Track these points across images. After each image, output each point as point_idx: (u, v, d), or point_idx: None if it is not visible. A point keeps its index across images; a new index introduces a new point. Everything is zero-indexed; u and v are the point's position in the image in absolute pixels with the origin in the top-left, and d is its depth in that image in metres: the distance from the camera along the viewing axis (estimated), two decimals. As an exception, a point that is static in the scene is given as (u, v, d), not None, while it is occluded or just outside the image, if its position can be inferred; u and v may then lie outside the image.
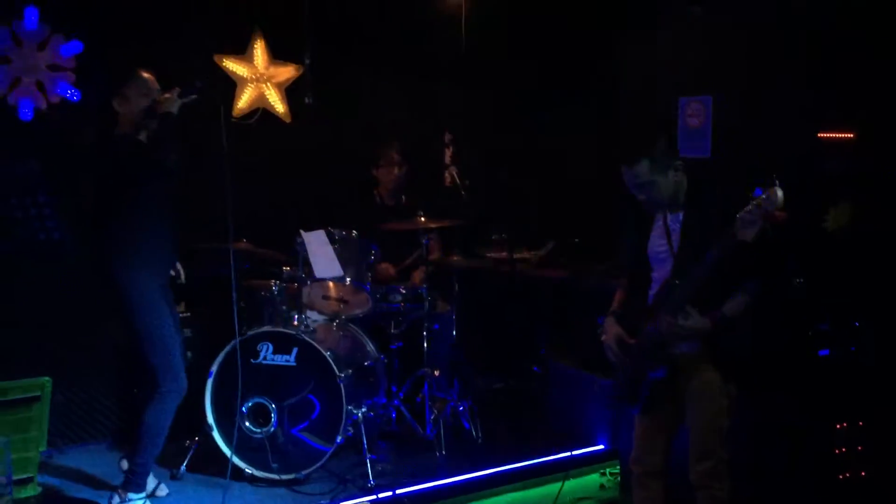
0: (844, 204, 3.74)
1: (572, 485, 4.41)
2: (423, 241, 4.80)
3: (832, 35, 3.70)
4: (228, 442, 4.30)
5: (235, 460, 4.32)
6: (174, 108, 3.83)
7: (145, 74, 3.90)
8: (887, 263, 3.80)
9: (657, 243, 3.31)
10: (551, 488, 4.40)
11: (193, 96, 3.87)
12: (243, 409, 4.35)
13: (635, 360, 3.31)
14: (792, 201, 3.67)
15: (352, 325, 4.89)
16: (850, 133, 3.77)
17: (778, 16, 3.72)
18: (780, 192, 2.67)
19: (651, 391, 3.27)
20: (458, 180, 5.32)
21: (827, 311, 3.75)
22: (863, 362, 3.78)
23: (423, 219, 4.80)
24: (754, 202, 2.73)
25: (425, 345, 4.80)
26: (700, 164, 4.03)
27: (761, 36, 3.82)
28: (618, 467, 4.52)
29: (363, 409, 4.47)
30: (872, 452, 3.78)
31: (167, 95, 3.84)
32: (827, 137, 3.73)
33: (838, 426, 3.74)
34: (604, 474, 4.61)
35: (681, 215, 3.23)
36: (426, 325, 4.81)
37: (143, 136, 3.80)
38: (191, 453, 4.38)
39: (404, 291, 4.92)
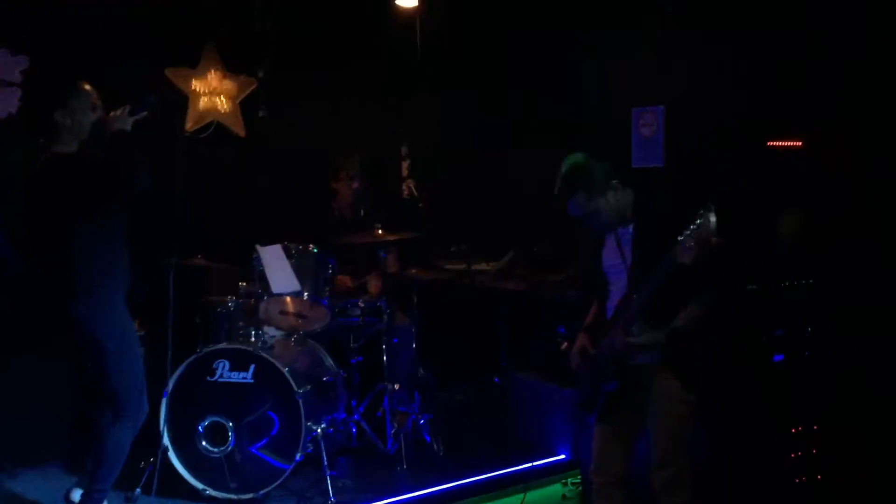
0: (795, 210, 3.80)
1: (534, 496, 4.42)
2: (381, 254, 4.77)
3: (780, 42, 3.76)
4: (185, 462, 4.21)
5: (192, 481, 4.26)
6: (126, 126, 3.76)
7: (87, 87, 3.81)
8: (839, 268, 3.87)
9: (610, 257, 3.35)
10: (513, 500, 4.40)
11: (145, 113, 3.80)
12: (200, 428, 4.27)
13: (593, 371, 3.35)
14: (743, 209, 3.76)
15: (310, 340, 4.84)
16: (799, 141, 3.83)
17: (728, 23, 3.77)
18: (713, 219, 2.73)
19: (606, 401, 3.30)
20: (415, 193, 5.30)
21: (781, 317, 3.80)
22: (817, 366, 3.83)
23: (380, 231, 4.78)
24: (690, 229, 2.79)
25: (385, 358, 4.77)
26: (653, 174, 4.07)
27: (710, 44, 3.87)
28: (579, 477, 4.52)
29: (323, 425, 4.41)
30: (828, 455, 3.83)
31: (118, 112, 3.77)
32: (776, 146, 3.79)
33: (794, 430, 3.79)
34: (565, 484, 4.61)
35: (630, 229, 3.26)
36: (385, 338, 4.78)
37: (95, 151, 3.70)
38: (146, 475, 4.28)
39: (363, 305, 4.89)
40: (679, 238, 2.83)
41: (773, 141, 3.78)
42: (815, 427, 3.82)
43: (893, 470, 3.67)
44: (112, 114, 3.77)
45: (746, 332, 3.73)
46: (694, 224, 2.78)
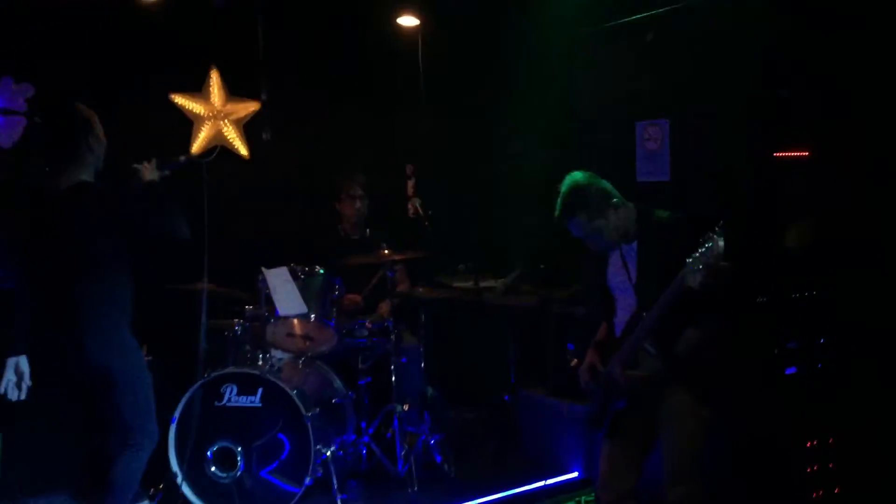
0: (804, 222, 3.77)
1: (547, 515, 4.37)
2: (389, 273, 4.75)
3: (785, 53, 3.75)
4: (194, 488, 4.19)
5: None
6: (155, 177, 3.76)
7: (95, 116, 3.80)
8: (850, 279, 3.83)
9: (616, 275, 3.33)
10: (526, 519, 4.37)
11: (170, 170, 3.81)
12: (209, 453, 4.24)
13: (602, 388, 3.32)
14: (752, 222, 3.73)
15: (318, 362, 4.81)
16: (806, 151, 3.81)
17: (730, 35, 3.76)
18: (721, 243, 2.72)
19: (615, 418, 3.27)
20: (420, 211, 5.28)
21: (793, 329, 3.76)
22: (830, 379, 3.78)
23: (386, 251, 4.76)
24: (699, 252, 2.78)
25: (393, 379, 4.73)
26: (659, 188, 4.05)
27: (714, 56, 3.86)
28: (592, 495, 4.47)
29: (332, 448, 4.38)
30: (844, 469, 3.78)
31: (145, 165, 3.76)
32: (783, 156, 3.76)
33: (809, 444, 3.73)
34: (579, 503, 4.56)
35: (635, 245, 3.24)
36: (394, 358, 4.75)
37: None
38: (156, 502, 4.25)
39: (370, 326, 4.86)
40: (688, 261, 2.82)
41: (779, 152, 3.75)
42: (831, 440, 3.77)
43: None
44: (143, 165, 3.75)
45: (759, 345, 3.69)
46: (703, 248, 2.76)
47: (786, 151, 3.78)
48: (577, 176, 3.23)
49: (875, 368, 3.75)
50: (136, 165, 3.76)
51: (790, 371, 3.72)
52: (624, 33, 4.42)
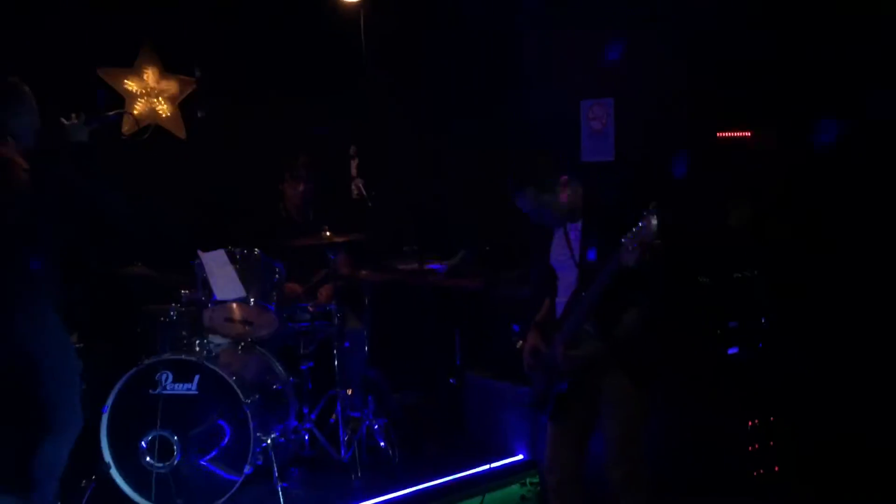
0: (745, 202, 3.78)
1: (493, 498, 4.35)
2: (331, 256, 4.64)
3: (729, 34, 3.74)
4: (128, 479, 4.05)
5: (136, 498, 4.10)
6: (84, 136, 3.56)
7: (27, 89, 3.60)
8: (790, 259, 3.86)
9: (559, 253, 3.31)
10: (472, 503, 4.31)
11: (102, 124, 3.61)
12: (143, 443, 4.11)
13: (545, 370, 3.31)
14: (694, 202, 3.73)
15: (258, 348, 4.69)
16: (747, 132, 3.81)
17: (675, 15, 3.74)
18: (654, 222, 2.76)
19: (558, 400, 3.26)
20: (364, 192, 5.18)
21: (735, 309, 3.77)
22: (771, 358, 3.82)
23: (329, 233, 4.65)
24: (631, 232, 2.81)
25: (336, 363, 4.64)
26: (603, 168, 4.02)
27: (658, 36, 3.83)
28: (538, 477, 4.46)
29: (273, 435, 4.28)
30: (785, 447, 3.82)
31: (73, 121, 3.56)
32: (725, 137, 3.76)
33: (750, 423, 3.77)
34: (524, 485, 4.54)
35: (580, 223, 3.23)
36: (336, 343, 4.65)
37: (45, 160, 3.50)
38: (88, 493, 4.10)
39: (312, 310, 4.75)
40: (622, 240, 2.84)
41: (722, 132, 3.75)
42: (772, 419, 3.81)
43: (849, 458, 3.67)
44: (68, 122, 3.55)
45: (701, 326, 3.70)
46: (637, 226, 2.79)
47: (728, 132, 3.77)
48: (528, 151, 3.20)
49: (815, 347, 3.80)
50: (63, 120, 3.57)
51: (732, 351, 3.74)
52: (569, 7, 4.36)
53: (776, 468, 3.82)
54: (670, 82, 3.80)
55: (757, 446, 3.78)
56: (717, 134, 3.75)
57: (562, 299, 3.28)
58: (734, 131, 3.79)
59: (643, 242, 2.78)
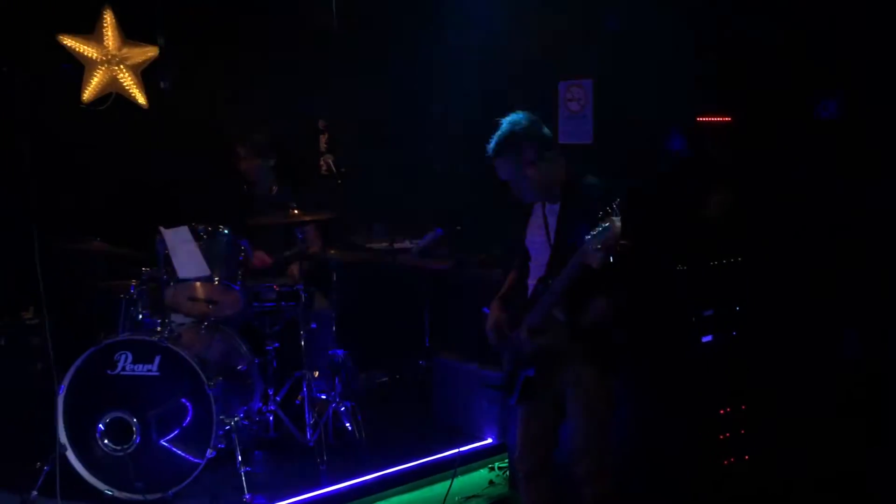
0: (724, 189, 3.72)
1: (461, 482, 4.29)
2: (298, 234, 4.50)
3: (711, 18, 3.66)
4: (84, 462, 3.92)
5: (93, 481, 3.97)
6: None
7: None
8: (767, 249, 3.82)
9: (535, 233, 3.25)
10: (440, 487, 4.27)
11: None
12: (100, 425, 3.97)
13: (512, 352, 3.24)
14: (672, 188, 3.67)
15: (222, 327, 4.56)
16: (727, 117, 3.74)
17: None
18: (617, 223, 2.70)
19: (525, 385, 3.21)
20: (334, 169, 5.04)
21: (710, 297, 3.73)
22: (744, 346, 3.78)
23: (296, 211, 4.51)
24: (594, 232, 2.74)
25: (303, 344, 4.52)
26: (581, 151, 3.93)
27: (640, 18, 3.74)
28: (506, 461, 4.42)
29: (237, 418, 4.17)
30: (755, 436, 3.80)
31: None
32: (705, 121, 3.69)
33: (722, 411, 3.74)
34: (492, 469, 4.50)
35: (557, 206, 3.14)
36: (303, 323, 4.53)
37: None
38: (43, 476, 3.96)
39: (279, 289, 4.62)
40: (586, 238, 2.77)
41: (702, 117, 3.68)
42: (743, 407, 3.78)
43: (820, 447, 3.67)
44: None
45: (675, 314, 3.65)
46: (600, 227, 2.72)
47: (708, 116, 3.70)
48: (518, 116, 3.10)
49: (789, 336, 3.77)
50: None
51: (706, 339, 3.70)
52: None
53: (746, 457, 3.80)
54: (652, 64, 3.71)
55: (728, 435, 3.75)
56: (697, 118, 3.67)
57: (533, 280, 3.22)
58: (714, 115, 3.72)
59: (606, 245, 2.71)
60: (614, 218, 2.69)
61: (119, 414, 3.99)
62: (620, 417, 3.21)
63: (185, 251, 4.21)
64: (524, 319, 3.12)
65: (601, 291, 3.02)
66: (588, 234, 2.75)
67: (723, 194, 3.72)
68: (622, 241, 2.69)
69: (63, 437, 3.98)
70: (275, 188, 5.06)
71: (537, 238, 3.21)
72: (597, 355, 3.10)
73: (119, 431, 4.00)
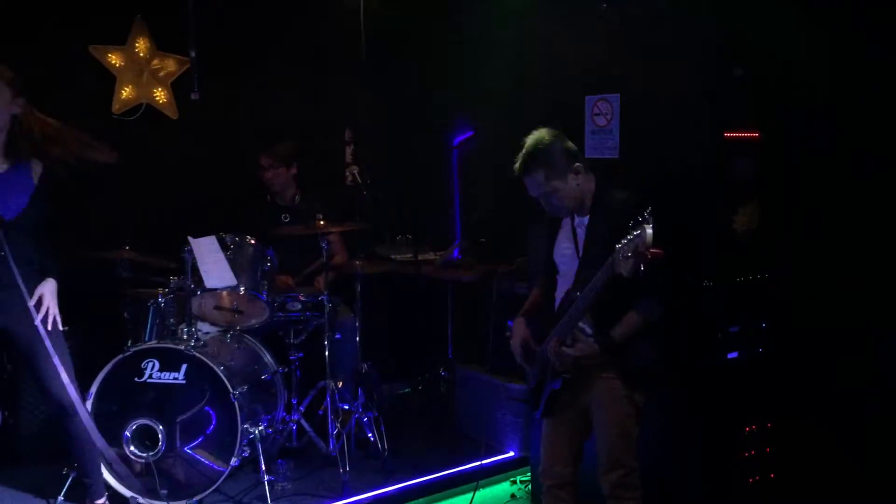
0: (752, 205, 3.70)
1: (482, 495, 4.29)
2: (324, 245, 4.54)
3: (738, 34, 3.65)
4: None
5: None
6: None
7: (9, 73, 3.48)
8: (794, 265, 3.79)
9: (563, 246, 3.25)
10: (462, 500, 4.27)
11: None
12: (127, 432, 4.02)
13: (538, 367, 3.24)
14: (700, 203, 3.65)
15: (247, 337, 4.61)
16: (755, 133, 3.72)
17: (683, 12, 3.64)
18: (649, 231, 2.66)
19: (551, 399, 3.20)
20: (359, 180, 5.06)
21: (736, 313, 3.70)
22: (770, 363, 3.75)
23: (322, 222, 4.55)
24: (626, 240, 2.72)
25: (327, 354, 4.55)
26: (608, 165, 3.92)
27: (667, 32, 3.73)
28: (528, 475, 4.40)
29: (261, 426, 4.20)
30: (781, 454, 3.77)
31: None
32: (733, 137, 3.67)
33: (747, 429, 3.71)
34: (514, 482, 4.49)
35: (587, 219, 3.13)
36: (327, 333, 4.56)
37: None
38: (69, 481, 4.00)
39: (304, 299, 4.66)
40: (617, 247, 2.76)
41: (729, 132, 3.66)
42: (769, 425, 3.75)
43: (845, 467, 3.62)
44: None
45: (701, 329, 3.63)
46: (631, 235, 2.70)
47: (736, 132, 3.68)
48: (543, 132, 3.11)
49: (815, 353, 3.73)
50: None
51: (732, 356, 3.67)
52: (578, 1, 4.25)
53: (771, 475, 3.76)
54: (678, 80, 3.70)
55: (753, 452, 3.72)
56: (725, 134, 3.65)
57: (560, 293, 3.21)
58: (742, 131, 3.70)
59: (637, 252, 2.69)
60: (646, 226, 2.67)
61: (145, 421, 4.03)
62: (645, 432, 3.19)
63: (212, 261, 4.25)
64: (551, 332, 3.12)
65: (631, 304, 3.01)
66: (618, 244, 2.74)
67: (750, 210, 3.69)
68: (655, 250, 2.66)
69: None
70: (297, 198, 5.11)
71: (566, 251, 3.21)
72: (625, 369, 3.09)
73: (145, 438, 4.05)
